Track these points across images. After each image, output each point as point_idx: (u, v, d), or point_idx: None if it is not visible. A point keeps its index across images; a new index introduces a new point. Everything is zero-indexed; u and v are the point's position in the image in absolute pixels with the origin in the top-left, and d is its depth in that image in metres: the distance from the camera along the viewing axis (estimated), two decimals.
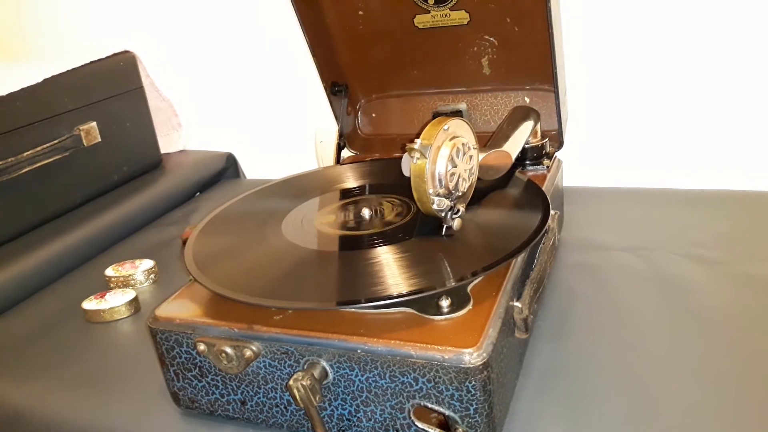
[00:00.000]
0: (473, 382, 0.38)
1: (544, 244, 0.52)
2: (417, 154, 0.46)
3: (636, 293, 0.57)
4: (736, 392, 0.45)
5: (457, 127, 0.49)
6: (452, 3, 0.65)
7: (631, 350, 0.50)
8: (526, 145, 0.63)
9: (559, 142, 0.66)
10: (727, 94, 0.77)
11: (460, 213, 0.49)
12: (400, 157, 0.50)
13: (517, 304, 0.44)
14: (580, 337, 0.52)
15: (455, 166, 0.48)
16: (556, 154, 0.67)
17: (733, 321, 0.52)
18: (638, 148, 0.83)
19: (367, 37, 0.71)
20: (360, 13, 0.69)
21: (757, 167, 0.78)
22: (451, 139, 0.48)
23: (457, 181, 0.49)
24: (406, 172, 0.48)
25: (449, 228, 0.49)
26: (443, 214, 0.49)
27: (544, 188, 0.58)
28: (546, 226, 0.49)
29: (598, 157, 0.85)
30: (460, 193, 0.50)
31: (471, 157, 0.50)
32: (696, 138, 0.80)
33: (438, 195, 0.48)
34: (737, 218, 0.69)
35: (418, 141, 0.46)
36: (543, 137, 0.66)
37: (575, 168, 0.82)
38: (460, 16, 0.66)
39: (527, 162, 0.65)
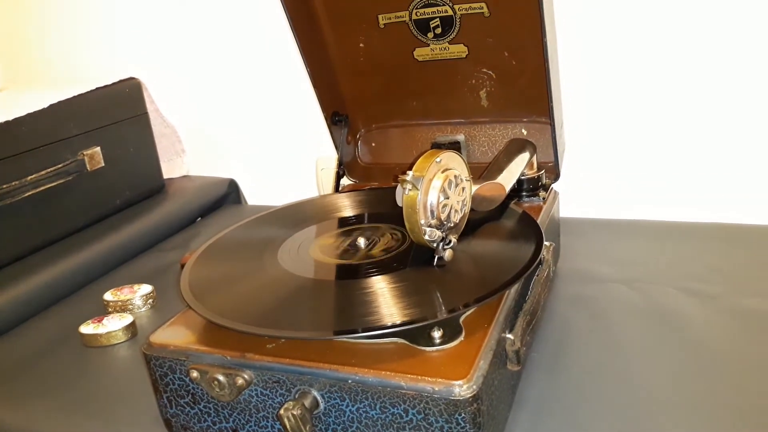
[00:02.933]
0: (463, 415, 0.38)
1: (537, 275, 0.52)
2: (409, 186, 0.47)
3: (631, 326, 0.57)
4: (731, 426, 0.45)
5: (450, 159, 0.49)
6: (451, 37, 0.67)
7: (626, 383, 0.50)
8: (522, 177, 0.64)
9: (555, 173, 0.67)
10: (722, 128, 0.78)
11: (452, 244, 0.50)
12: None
13: (510, 336, 0.45)
14: (574, 369, 0.52)
15: (447, 198, 0.49)
16: (553, 185, 0.68)
17: (727, 355, 0.52)
18: (635, 181, 0.83)
19: (368, 68, 0.73)
20: (361, 45, 0.71)
21: (750, 201, 0.78)
22: (443, 171, 0.48)
23: (449, 212, 0.50)
24: (399, 203, 0.48)
25: (440, 259, 0.49)
26: (435, 245, 0.49)
27: (539, 220, 0.59)
28: (539, 258, 0.50)
29: (596, 189, 0.85)
30: (452, 224, 0.50)
31: (463, 188, 0.51)
32: (691, 171, 0.80)
33: (430, 226, 0.48)
34: (731, 251, 0.69)
35: (410, 173, 0.47)
36: (539, 169, 0.66)
37: (573, 199, 0.83)
38: (459, 50, 0.67)
39: (523, 193, 0.65)
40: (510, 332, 0.45)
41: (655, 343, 0.55)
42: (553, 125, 0.62)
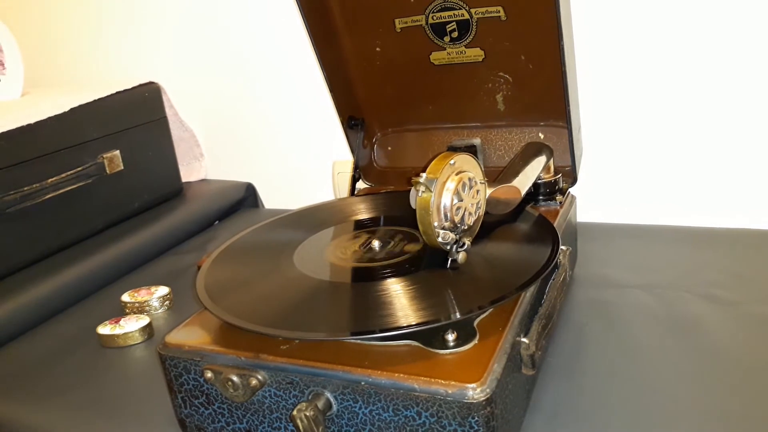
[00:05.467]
0: (476, 418, 0.38)
1: (554, 279, 0.52)
2: (422, 188, 0.47)
3: (649, 332, 0.57)
4: None
5: (464, 162, 0.49)
6: (468, 41, 0.66)
7: (642, 390, 0.49)
8: (539, 181, 0.64)
9: (572, 178, 0.67)
10: (743, 132, 0.77)
11: (465, 246, 0.49)
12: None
13: (524, 339, 0.44)
14: (590, 375, 0.52)
15: (461, 200, 0.49)
16: (570, 189, 0.67)
17: (746, 363, 0.51)
18: (653, 186, 0.83)
19: (384, 72, 0.73)
20: (377, 49, 0.71)
21: None
22: (457, 174, 0.48)
23: (463, 214, 0.49)
24: (413, 205, 0.48)
25: (454, 261, 0.49)
26: (448, 247, 0.49)
27: (555, 224, 0.58)
28: (555, 260, 0.49)
29: (614, 193, 0.85)
30: (465, 227, 0.50)
31: (478, 191, 0.51)
32: (711, 175, 0.79)
33: (443, 228, 0.48)
34: (752, 258, 0.68)
35: (423, 175, 0.47)
36: (556, 173, 0.66)
37: (591, 204, 0.82)
38: (475, 54, 0.67)
39: (540, 197, 0.65)
40: (525, 336, 0.45)
41: (672, 349, 0.54)
42: (570, 129, 0.62)
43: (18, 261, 0.77)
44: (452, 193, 0.48)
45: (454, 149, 0.71)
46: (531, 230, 0.57)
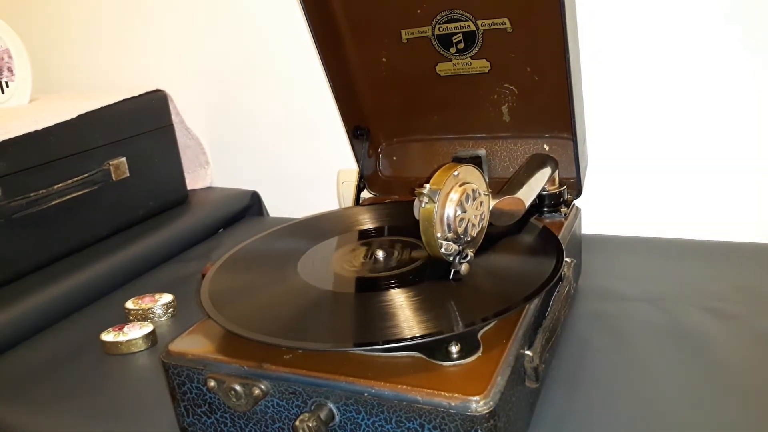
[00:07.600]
0: (480, 431, 0.38)
1: (558, 292, 0.52)
2: (426, 199, 0.47)
3: (652, 345, 0.57)
4: None
5: (468, 173, 0.49)
6: (473, 52, 0.67)
7: (645, 403, 0.49)
8: (544, 192, 0.64)
9: (577, 190, 0.67)
10: (748, 145, 0.77)
11: (468, 258, 0.49)
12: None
13: (528, 352, 0.44)
14: (593, 388, 0.51)
15: (464, 211, 0.49)
16: (574, 201, 0.67)
17: (748, 376, 0.51)
18: (659, 198, 0.83)
19: (390, 83, 0.73)
20: (383, 60, 0.71)
21: None
22: (460, 185, 0.48)
23: (466, 226, 0.49)
24: (416, 216, 0.48)
25: (457, 272, 0.49)
26: (451, 259, 0.49)
27: (560, 236, 0.58)
28: (559, 273, 0.49)
29: (620, 206, 0.85)
30: (469, 238, 0.50)
31: (481, 203, 0.51)
32: (716, 189, 0.79)
33: (446, 239, 0.48)
34: (756, 271, 0.68)
35: (427, 186, 0.47)
36: (561, 185, 0.66)
37: (596, 216, 0.82)
38: (481, 65, 0.68)
39: (545, 209, 0.65)
40: (529, 349, 0.44)
41: (676, 362, 0.54)
42: (576, 141, 0.62)
43: (23, 266, 0.77)
44: (455, 204, 0.48)
45: (459, 160, 0.71)
46: (535, 242, 0.57)
